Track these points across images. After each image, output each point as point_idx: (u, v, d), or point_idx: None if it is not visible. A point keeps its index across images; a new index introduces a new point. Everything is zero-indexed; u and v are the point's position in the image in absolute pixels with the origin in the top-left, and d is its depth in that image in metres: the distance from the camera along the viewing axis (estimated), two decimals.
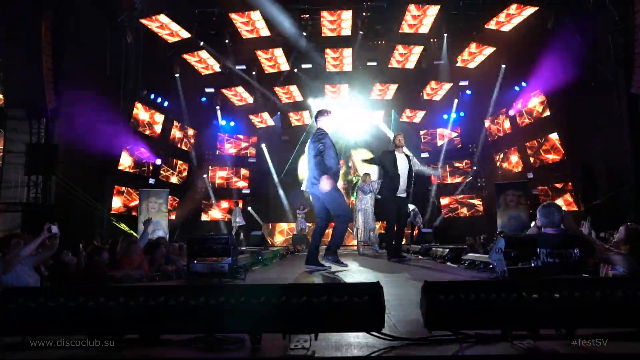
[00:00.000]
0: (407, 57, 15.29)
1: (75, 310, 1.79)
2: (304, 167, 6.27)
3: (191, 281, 4.60)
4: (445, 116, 18.43)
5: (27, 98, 11.10)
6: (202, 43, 14.65)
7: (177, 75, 16.06)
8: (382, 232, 11.43)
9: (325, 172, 5.25)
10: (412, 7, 12.90)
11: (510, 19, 13.32)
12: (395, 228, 7.13)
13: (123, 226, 13.14)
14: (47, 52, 10.55)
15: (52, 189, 11.31)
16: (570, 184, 13.49)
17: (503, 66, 15.49)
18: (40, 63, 10.51)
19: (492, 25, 13.58)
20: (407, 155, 7.28)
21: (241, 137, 19.51)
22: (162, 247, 6.49)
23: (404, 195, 7.12)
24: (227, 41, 14.71)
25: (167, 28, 13.62)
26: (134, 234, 12.60)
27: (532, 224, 4.51)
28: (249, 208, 18.11)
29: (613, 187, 10.84)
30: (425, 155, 18.83)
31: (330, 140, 5.50)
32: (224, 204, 18.66)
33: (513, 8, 12.84)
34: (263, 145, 19.18)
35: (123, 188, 14.62)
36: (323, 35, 14.19)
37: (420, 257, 8.20)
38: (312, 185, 5.40)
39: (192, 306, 1.77)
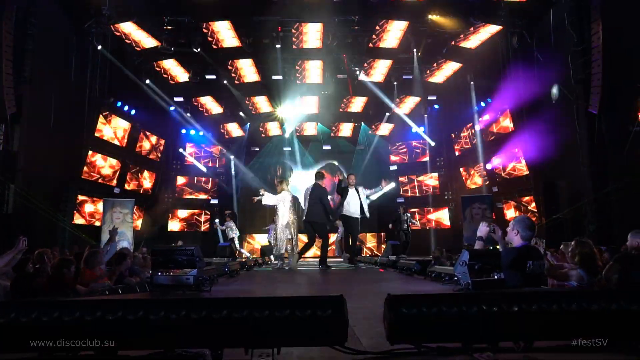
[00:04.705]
0: (376, 71, 15.51)
1: (27, 326, 1.72)
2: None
3: (154, 294, 4.50)
4: (414, 130, 18.71)
5: None
6: (171, 51, 14.43)
7: (145, 83, 15.74)
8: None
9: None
10: (381, 22, 13.11)
11: (475, 36, 13.70)
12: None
13: (86, 237, 12.73)
14: (7, 55, 10.14)
15: (9, 198, 10.85)
16: (532, 198, 13.87)
17: (471, 83, 15.83)
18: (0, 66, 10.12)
19: (458, 42, 13.94)
20: (356, 189, 9.53)
21: (210, 147, 19.29)
22: (126, 259, 6.32)
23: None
24: (197, 50, 14.57)
25: (135, 36, 13.40)
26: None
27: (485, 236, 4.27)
28: (216, 220, 17.81)
29: (573, 202, 11.19)
30: (394, 168, 19.05)
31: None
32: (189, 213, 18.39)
33: (478, 26, 13.22)
34: (232, 158, 19.01)
35: (86, 197, 14.20)
36: (293, 47, 14.25)
37: (389, 268, 8.26)
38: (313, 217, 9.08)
39: (151, 321, 1.72)
